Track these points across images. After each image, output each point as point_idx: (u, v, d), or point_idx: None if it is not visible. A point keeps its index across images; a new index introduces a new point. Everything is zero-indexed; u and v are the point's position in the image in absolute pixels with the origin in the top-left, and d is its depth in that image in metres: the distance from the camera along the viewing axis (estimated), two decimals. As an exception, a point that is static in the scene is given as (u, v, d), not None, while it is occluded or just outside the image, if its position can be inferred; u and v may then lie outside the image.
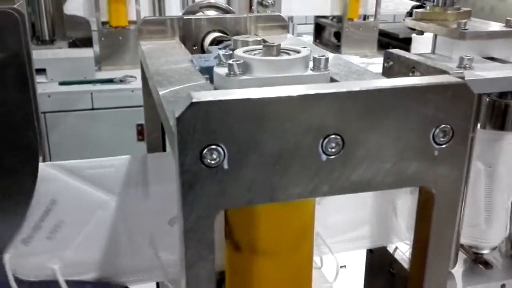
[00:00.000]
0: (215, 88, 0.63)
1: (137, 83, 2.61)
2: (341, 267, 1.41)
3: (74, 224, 0.72)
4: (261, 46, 0.65)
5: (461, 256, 0.87)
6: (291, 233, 0.64)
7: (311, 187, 0.49)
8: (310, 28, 3.87)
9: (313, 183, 0.48)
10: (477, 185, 0.80)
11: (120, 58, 2.80)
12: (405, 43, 3.19)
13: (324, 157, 0.48)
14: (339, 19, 3.42)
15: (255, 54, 0.64)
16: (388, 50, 0.79)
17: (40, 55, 2.57)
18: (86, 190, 0.72)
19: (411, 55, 0.74)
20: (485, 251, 0.86)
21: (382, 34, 3.48)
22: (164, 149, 1.07)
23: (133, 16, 2.79)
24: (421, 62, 0.70)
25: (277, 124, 0.46)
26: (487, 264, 0.86)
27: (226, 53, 0.64)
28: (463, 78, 0.63)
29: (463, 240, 0.84)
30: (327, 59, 0.61)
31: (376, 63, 3.07)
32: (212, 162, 0.46)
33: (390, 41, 3.48)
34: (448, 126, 0.48)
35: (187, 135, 0.44)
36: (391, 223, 0.78)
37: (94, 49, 2.80)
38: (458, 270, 0.85)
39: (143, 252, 0.77)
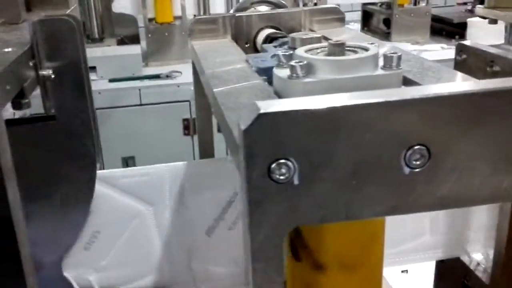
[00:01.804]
0: (275, 91, 0.58)
1: (183, 78, 2.63)
2: (402, 271, 1.36)
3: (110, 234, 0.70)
4: (323, 44, 0.60)
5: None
6: (360, 246, 0.60)
7: (391, 204, 0.44)
8: (357, 15, 3.77)
9: (394, 200, 0.43)
10: None
11: (166, 54, 2.81)
12: (460, 28, 3.07)
13: (407, 170, 0.43)
14: (388, 5, 3.32)
15: (318, 53, 0.59)
16: (461, 42, 0.72)
17: (90, 53, 2.58)
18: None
19: (488, 47, 0.68)
20: None
21: (435, 19, 3.36)
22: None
23: (178, 12, 2.78)
24: (501, 56, 0.64)
25: (353, 135, 0.41)
26: None
27: (286, 53, 0.59)
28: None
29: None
30: (399, 57, 0.55)
31: (429, 50, 2.96)
32: (281, 177, 0.41)
33: (443, 27, 3.35)
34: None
35: (254, 148, 0.40)
36: (465, 233, 0.72)
37: (141, 45, 2.82)
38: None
39: (178, 263, 0.74)
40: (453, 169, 0.43)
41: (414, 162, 0.42)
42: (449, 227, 0.70)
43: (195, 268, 0.75)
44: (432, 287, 0.83)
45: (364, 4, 3.66)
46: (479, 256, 0.70)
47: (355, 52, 0.58)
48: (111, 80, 2.59)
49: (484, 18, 1.09)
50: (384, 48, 0.59)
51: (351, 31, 0.91)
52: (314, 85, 0.54)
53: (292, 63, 0.55)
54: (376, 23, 3.67)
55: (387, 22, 3.41)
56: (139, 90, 2.59)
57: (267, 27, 0.91)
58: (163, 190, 0.71)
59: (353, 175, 0.42)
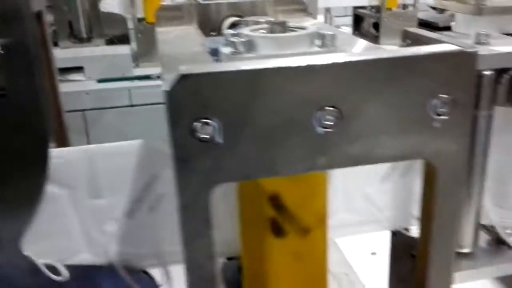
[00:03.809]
0: (222, 69, 0.62)
1: (174, 79, 2.64)
2: (372, 254, 1.40)
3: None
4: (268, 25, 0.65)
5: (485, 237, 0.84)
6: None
7: (309, 160, 0.47)
8: (350, 19, 3.83)
9: (311, 157, 0.47)
10: (498, 163, 0.77)
11: (157, 54, 2.81)
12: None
13: (321, 130, 0.47)
14: (378, 9, 3.37)
15: (262, 32, 0.63)
16: (405, 29, 0.77)
17: (77, 53, 2.63)
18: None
19: (428, 33, 0.72)
20: (508, 231, 0.83)
21: (422, 23, 3.40)
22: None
23: (169, 12, 2.80)
24: (436, 39, 0.68)
25: (270, 96, 0.45)
26: (510, 244, 0.83)
27: (233, 32, 0.63)
28: (475, 52, 0.61)
29: (485, 221, 0.81)
30: (333, 35, 0.60)
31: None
32: (205, 136, 0.45)
33: (430, 30, 3.40)
34: (449, 97, 0.46)
35: (177, 108, 0.44)
36: (411, 205, 0.76)
37: (132, 46, 2.83)
38: (480, 251, 0.83)
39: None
40: (362, 128, 0.47)
41: (326, 123, 0.46)
42: (394, 200, 0.73)
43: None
44: (389, 260, 0.86)
45: (355, 8, 3.71)
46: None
47: (295, 31, 0.62)
48: (99, 81, 2.61)
49: (434, 8, 1.14)
50: (324, 28, 0.63)
51: (313, 20, 0.95)
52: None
53: (234, 39, 0.59)
54: (367, 27, 3.71)
55: (377, 25, 3.46)
56: (129, 90, 2.59)
57: (232, 15, 0.95)
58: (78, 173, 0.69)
59: (272, 134, 0.46)
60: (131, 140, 0.71)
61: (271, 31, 0.62)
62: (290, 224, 0.62)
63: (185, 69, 0.43)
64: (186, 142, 0.45)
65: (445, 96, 0.46)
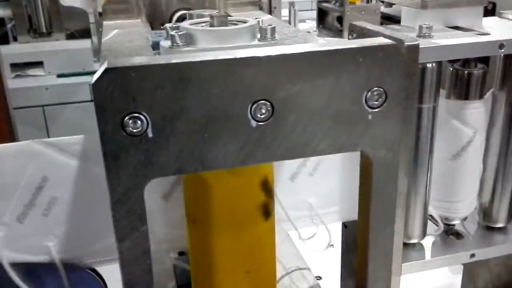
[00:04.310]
0: (163, 62, 0.61)
1: (136, 74, 2.60)
2: (331, 245, 1.41)
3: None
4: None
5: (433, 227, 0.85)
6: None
7: (243, 154, 0.47)
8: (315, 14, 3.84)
9: (245, 150, 0.47)
10: (442, 155, 0.78)
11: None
12: (407, 26, 3.14)
13: (254, 123, 0.46)
14: (341, 3, 3.39)
15: (202, 26, 0.62)
16: (352, 23, 0.77)
17: (37, 47, 2.58)
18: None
19: (373, 26, 0.72)
20: (455, 222, 0.84)
21: (386, 17, 3.43)
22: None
23: (130, 6, 2.76)
24: (380, 32, 0.68)
25: (202, 90, 0.44)
26: (458, 235, 0.85)
27: (173, 26, 0.62)
28: (417, 45, 0.62)
29: (432, 212, 0.82)
30: (273, 29, 0.59)
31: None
32: (135, 130, 0.44)
33: (391, 24, 3.43)
34: (381, 89, 0.46)
35: (105, 102, 0.43)
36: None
37: (93, 40, 2.79)
38: (428, 241, 0.84)
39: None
40: (295, 121, 0.46)
41: (259, 116, 0.46)
42: (343, 193, 0.73)
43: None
44: (340, 252, 0.87)
45: (319, 2, 3.73)
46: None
47: (236, 24, 0.61)
48: (59, 76, 2.57)
49: (383, 2, 1.15)
50: (268, 22, 0.62)
51: (263, 14, 0.95)
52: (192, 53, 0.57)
53: (172, 33, 0.58)
54: (331, 20, 3.73)
55: (340, 19, 3.48)
56: (90, 85, 2.55)
57: (181, 9, 0.94)
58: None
59: (205, 128, 0.46)
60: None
61: (211, 24, 0.61)
62: (273, 204, 0.63)
63: (110, 62, 0.42)
64: (116, 137, 0.44)
65: (378, 88, 0.46)
